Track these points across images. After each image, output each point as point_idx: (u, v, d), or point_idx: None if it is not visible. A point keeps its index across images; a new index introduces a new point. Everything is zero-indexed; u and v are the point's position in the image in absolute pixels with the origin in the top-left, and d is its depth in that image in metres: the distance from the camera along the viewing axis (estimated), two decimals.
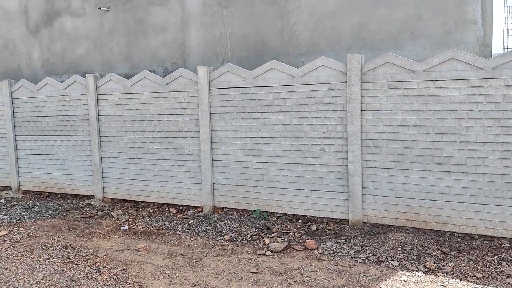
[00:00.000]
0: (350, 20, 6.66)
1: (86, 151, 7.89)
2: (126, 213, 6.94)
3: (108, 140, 7.64)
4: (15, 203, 7.81)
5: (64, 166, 8.16)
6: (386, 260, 4.54)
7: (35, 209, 7.08)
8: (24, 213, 6.89)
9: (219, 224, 5.92)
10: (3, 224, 6.39)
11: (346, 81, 5.70)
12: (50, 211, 7.02)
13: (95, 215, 6.87)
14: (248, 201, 6.52)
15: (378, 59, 5.54)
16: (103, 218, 6.72)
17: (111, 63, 8.69)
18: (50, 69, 9.42)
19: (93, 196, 7.92)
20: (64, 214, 6.95)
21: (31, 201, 7.94)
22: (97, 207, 7.37)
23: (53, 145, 8.26)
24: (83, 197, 8.03)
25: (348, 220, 5.84)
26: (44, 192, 8.50)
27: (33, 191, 8.64)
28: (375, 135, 5.63)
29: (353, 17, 6.64)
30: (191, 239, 5.55)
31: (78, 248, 5.27)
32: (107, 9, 8.56)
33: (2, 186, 9.06)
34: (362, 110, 5.65)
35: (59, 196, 8.26)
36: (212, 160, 6.73)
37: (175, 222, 6.32)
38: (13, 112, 8.67)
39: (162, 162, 7.17)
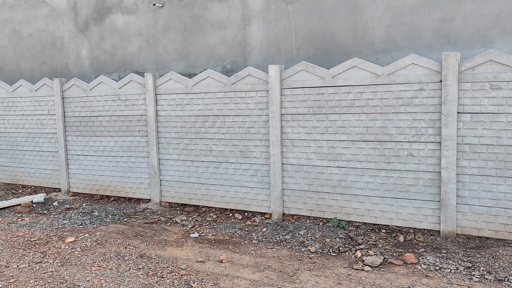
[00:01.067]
0: (432, 16, 6.20)
1: (143, 153, 7.58)
2: (190, 218, 6.59)
3: (167, 142, 7.31)
4: (68, 206, 7.53)
5: (118, 168, 7.86)
6: (507, 279, 4.09)
7: (94, 213, 6.78)
8: (84, 218, 6.59)
9: (298, 234, 5.52)
10: (66, 229, 6.09)
11: (441, 81, 5.25)
12: (110, 216, 6.71)
13: (158, 220, 6.54)
14: (322, 209, 6.11)
15: (478, 56, 5.08)
16: (168, 224, 6.39)
17: (165, 61, 8.37)
18: (99, 67, 9.15)
19: (149, 200, 7.60)
20: (125, 219, 6.64)
21: (84, 204, 7.66)
22: (157, 211, 7.04)
23: (106, 146, 7.96)
24: (138, 200, 7.72)
25: (440, 231, 5.39)
26: (95, 194, 8.22)
27: (84, 194, 8.36)
28: (473, 139, 5.17)
29: (435, 12, 6.18)
30: (273, 249, 5.16)
31: (155, 258, 4.92)
32: (162, 5, 8.24)
33: (51, 187, 8.81)
34: (458, 112, 5.20)
35: (111, 199, 7.96)
36: (282, 164, 6.34)
37: (246, 229, 5.94)
38: (64, 112, 8.41)
39: (225, 165, 6.80)
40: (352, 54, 6.68)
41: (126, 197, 7.88)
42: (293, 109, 6.21)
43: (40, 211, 7.23)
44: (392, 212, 5.67)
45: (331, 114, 5.95)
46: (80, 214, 6.78)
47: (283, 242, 5.37)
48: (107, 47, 8.98)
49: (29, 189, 8.99)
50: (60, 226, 6.23)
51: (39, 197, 7.62)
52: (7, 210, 7.24)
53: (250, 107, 6.54)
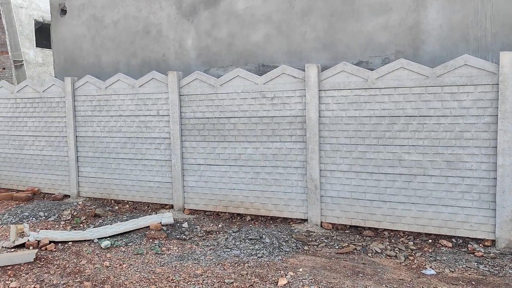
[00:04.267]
0: None
1: (295, 162, 6.17)
2: (388, 247, 5.20)
3: (332, 149, 5.92)
4: (202, 228, 6.07)
5: (257, 180, 6.43)
6: None
7: (265, 240, 5.33)
8: (256, 247, 5.14)
9: None
10: (251, 264, 4.64)
11: None
12: (284, 243, 5.28)
13: (354, 250, 5.13)
14: None
15: None
16: (368, 254, 4.99)
17: (303, 51, 6.98)
18: (209, 60, 7.70)
19: (304, 220, 6.18)
20: (305, 248, 5.22)
21: (220, 224, 6.21)
22: (331, 236, 5.64)
23: (241, 153, 6.53)
24: (285, 220, 6.30)
25: None
26: (222, 212, 6.76)
27: (205, 211, 6.89)
28: None
29: None
30: None
31: None
32: None
33: (157, 204, 7.31)
34: None
35: (248, 218, 6.51)
36: None
37: (486, 263, 4.60)
38: (180, 112, 6.94)
39: (422, 179, 5.45)
40: None
41: (268, 216, 6.45)
42: None
43: (177, 236, 5.75)
44: None
45: None
46: (247, 241, 5.32)
47: None
48: (222, 36, 7.55)
49: (127, 205, 7.47)
50: (237, 260, 4.78)
51: (168, 218, 6.12)
52: (135, 234, 5.75)
53: (464, 105, 5.20)
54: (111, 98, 7.54)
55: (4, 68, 21.27)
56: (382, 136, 5.64)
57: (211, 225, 6.24)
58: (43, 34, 19.60)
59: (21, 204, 7.66)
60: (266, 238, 5.34)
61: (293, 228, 5.98)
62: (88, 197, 7.93)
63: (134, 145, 7.40)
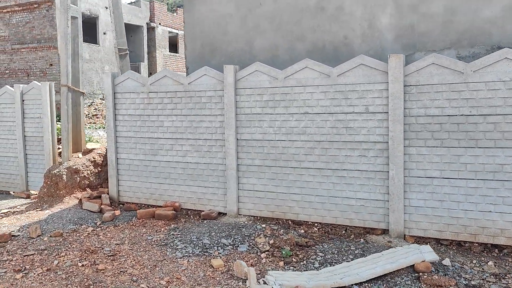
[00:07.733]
0: None
1: None
2: None
3: None
4: (469, 267, 4.38)
5: None
6: None
7: None
8: None
9: None
10: None
11: None
12: None
13: None
14: None
15: None
16: None
17: None
18: (413, 42, 6.02)
19: None
20: None
21: (489, 262, 4.51)
22: None
23: (504, 164, 4.83)
24: None
25: None
26: (467, 242, 5.05)
27: (439, 240, 5.19)
28: None
29: None
30: None
31: None
32: None
33: (359, 227, 5.64)
34: None
35: (482, 250, 4.80)
36: None
37: None
38: (404, 109, 5.27)
39: None
40: None
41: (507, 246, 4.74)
42: None
43: (465, 283, 4.07)
44: None
45: None
46: None
47: None
48: (435, 11, 5.86)
49: (315, 228, 5.81)
50: None
51: (429, 253, 4.42)
52: (399, 278, 4.10)
53: None
54: (292, 91, 5.89)
55: (51, 64, 19.89)
56: None
57: (473, 262, 4.55)
58: (87, 29, 18.25)
59: (172, 225, 6.07)
60: None
61: None
62: (251, 216, 6.29)
63: (326, 151, 5.74)
